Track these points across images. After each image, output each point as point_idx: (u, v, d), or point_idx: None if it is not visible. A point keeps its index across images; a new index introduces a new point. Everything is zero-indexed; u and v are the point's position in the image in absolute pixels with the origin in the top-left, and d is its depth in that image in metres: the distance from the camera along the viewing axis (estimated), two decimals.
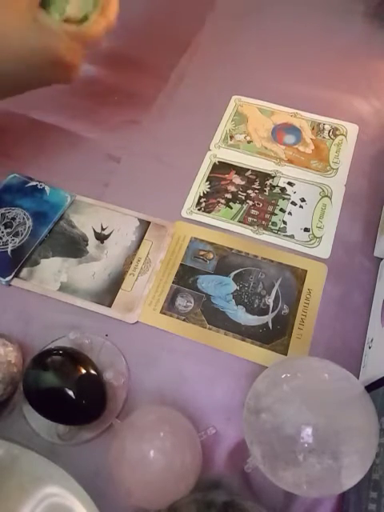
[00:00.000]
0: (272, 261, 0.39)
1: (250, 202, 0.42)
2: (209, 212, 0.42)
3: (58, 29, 0.35)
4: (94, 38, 0.37)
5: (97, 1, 0.38)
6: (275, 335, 0.36)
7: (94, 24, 0.37)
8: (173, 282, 0.38)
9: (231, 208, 0.42)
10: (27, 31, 0.34)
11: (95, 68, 0.51)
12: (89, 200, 0.43)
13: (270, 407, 0.27)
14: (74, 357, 0.32)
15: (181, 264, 0.39)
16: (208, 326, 0.36)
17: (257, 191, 0.43)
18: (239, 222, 0.41)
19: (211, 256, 0.40)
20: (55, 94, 0.46)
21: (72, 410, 0.31)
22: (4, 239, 0.40)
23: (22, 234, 0.40)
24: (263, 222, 0.41)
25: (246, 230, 0.41)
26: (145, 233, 0.41)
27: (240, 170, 0.44)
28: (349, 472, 0.26)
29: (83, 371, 0.31)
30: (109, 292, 0.38)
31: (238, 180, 0.44)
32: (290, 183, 0.43)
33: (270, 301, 0.37)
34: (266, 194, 0.43)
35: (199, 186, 0.44)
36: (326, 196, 0.43)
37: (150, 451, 0.28)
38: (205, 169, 0.45)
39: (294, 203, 0.42)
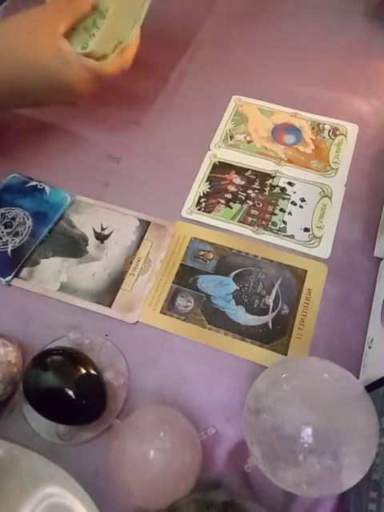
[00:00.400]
0: (272, 261, 0.39)
1: (250, 202, 0.42)
2: (209, 212, 0.42)
3: (77, 61, 0.38)
4: (108, 75, 0.40)
5: (117, 45, 0.40)
6: (275, 335, 0.36)
7: (111, 64, 0.40)
8: (173, 282, 0.38)
9: (231, 208, 0.42)
10: (52, 58, 0.37)
11: None
12: (89, 200, 0.43)
13: (270, 407, 0.27)
14: (74, 357, 0.32)
15: (181, 264, 0.39)
16: (208, 325, 0.36)
17: (257, 191, 0.43)
18: (239, 222, 0.41)
19: (211, 256, 0.40)
20: None
21: (72, 410, 0.31)
22: (4, 239, 0.40)
23: (22, 234, 0.40)
24: (263, 222, 0.41)
25: (246, 230, 0.41)
26: (145, 233, 0.41)
27: (240, 170, 0.44)
28: (349, 472, 0.26)
29: (83, 371, 0.31)
30: (109, 292, 0.38)
31: (237, 180, 0.44)
32: (289, 183, 0.43)
33: (269, 301, 0.37)
34: (266, 193, 0.43)
35: (199, 186, 0.44)
36: (326, 196, 0.43)
37: (150, 451, 0.28)
38: (205, 169, 0.45)
39: (294, 203, 0.42)
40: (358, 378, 0.33)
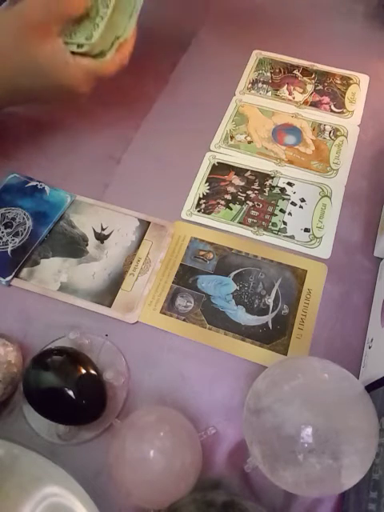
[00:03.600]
0: (272, 261, 0.39)
1: (250, 203, 0.42)
2: (208, 213, 0.42)
3: (73, 62, 0.37)
4: (105, 75, 0.40)
5: (114, 41, 0.39)
6: (275, 335, 0.36)
7: (109, 62, 0.39)
8: (173, 282, 0.38)
9: (231, 209, 0.42)
10: (46, 60, 0.37)
11: None
12: (89, 200, 0.43)
13: (270, 407, 0.27)
14: (73, 357, 0.32)
15: (181, 264, 0.39)
16: (208, 325, 0.36)
17: (256, 192, 0.43)
18: (239, 223, 0.41)
19: (211, 256, 0.40)
20: None
21: (72, 410, 0.31)
22: (4, 239, 0.40)
23: (22, 234, 0.40)
24: (263, 223, 0.41)
25: (247, 232, 0.41)
26: (145, 233, 0.41)
27: (239, 171, 0.44)
28: (349, 472, 0.26)
29: (83, 371, 0.31)
30: (109, 292, 0.38)
31: (237, 181, 0.44)
32: (289, 183, 0.43)
33: (269, 301, 0.37)
34: (266, 194, 0.43)
35: (198, 187, 0.44)
36: (326, 196, 0.43)
37: (150, 451, 0.28)
38: (204, 170, 0.45)
39: (293, 203, 0.42)
40: (358, 378, 0.33)
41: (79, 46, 0.38)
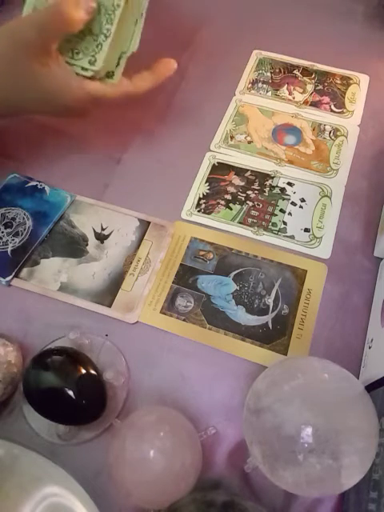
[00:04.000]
0: (272, 261, 0.39)
1: (250, 203, 0.42)
2: (209, 213, 0.42)
3: (77, 84, 0.36)
4: (111, 100, 0.38)
5: (121, 56, 0.38)
6: (275, 335, 0.36)
7: (114, 88, 0.38)
8: (173, 282, 0.38)
9: (231, 209, 0.42)
10: (49, 82, 0.36)
11: None
12: (89, 200, 0.43)
13: (270, 407, 0.27)
14: (73, 357, 0.32)
15: (181, 264, 0.39)
16: (208, 325, 0.36)
17: (256, 192, 0.43)
18: (239, 223, 0.41)
19: (211, 256, 0.40)
20: None
21: (72, 410, 0.31)
22: (4, 239, 0.40)
23: (22, 234, 0.40)
24: (263, 223, 0.41)
25: (247, 232, 0.41)
26: (145, 233, 0.41)
27: (239, 171, 0.44)
28: (349, 472, 0.26)
29: (83, 371, 0.31)
30: (109, 292, 0.38)
31: (237, 181, 0.44)
32: (289, 183, 0.43)
33: (269, 301, 0.37)
34: (266, 194, 0.43)
35: (198, 187, 0.44)
36: (326, 196, 0.43)
37: (149, 451, 0.28)
38: (204, 170, 0.45)
39: (293, 203, 0.42)
40: (358, 378, 0.33)
41: (84, 68, 0.37)
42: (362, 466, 0.26)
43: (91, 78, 0.37)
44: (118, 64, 0.38)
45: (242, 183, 0.44)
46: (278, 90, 0.50)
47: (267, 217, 0.42)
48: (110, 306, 0.37)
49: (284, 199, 0.43)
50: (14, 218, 0.41)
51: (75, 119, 0.44)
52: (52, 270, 0.39)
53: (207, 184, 0.44)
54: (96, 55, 0.36)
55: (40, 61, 0.35)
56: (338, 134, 0.47)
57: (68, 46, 0.36)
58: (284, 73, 0.52)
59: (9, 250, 0.40)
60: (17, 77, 0.35)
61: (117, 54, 0.37)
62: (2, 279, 0.38)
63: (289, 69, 0.52)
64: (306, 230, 0.41)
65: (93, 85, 0.37)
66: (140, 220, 0.41)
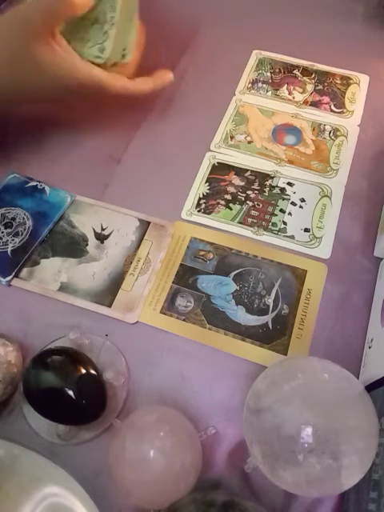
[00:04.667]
0: (272, 261, 0.39)
1: (250, 203, 0.42)
2: (208, 213, 0.42)
3: (83, 67, 0.38)
4: (112, 91, 0.40)
5: (125, 48, 0.40)
6: (275, 335, 0.36)
7: (116, 78, 0.40)
8: (173, 282, 0.38)
9: (231, 209, 0.42)
10: (57, 65, 0.37)
11: None
12: (89, 200, 0.43)
13: (270, 407, 0.27)
14: (73, 357, 0.32)
15: (181, 264, 0.39)
16: (208, 325, 0.36)
17: (256, 192, 0.43)
18: (239, 223, 0.41)
19: (211, 256, 0.40)
20: None
21: (72, 410, 0.31)
22: (4, 239, 0.40)
23: (22, 234, 0.40)
24: (263, 223, 0.41)
25: (247, 232, 0.41)
26: (145, 233, 0.41)
27: (239, 171, 0.44)
28: (349, 472, 0.26)
29: (83, 371, 0.31)
30: (109, 292, 0.38)
31: (237, 181, 0.44)
32: (289, 183, 0.43)
33: (269, 301, 0.37)
34: (266, 194, 0.43)
35: (198, 187, 0.44)
36: (326, 196, 0.43)
37: (149, 451, 0.28)
38: (204, 170, 0.45)
39: (293, 203, 0.42)
40: (358, 378, 0.33)
41: (96, 57, 0.38)
42: (361, 466, 0.26)
43: (101, 66, 0.39)
44: (122, 56, 0.40)
45: (242, 183, 0.44)
46: (277, 89, 0.50)
47: (267, 217, 0.42)
48: (109, 306, 0.37)
49: (284, 199, 0.43)
50: (14, 218, 0.41)
51: (75, 104, 0.45)
52: (52, 270, 0.39)
53: (207, 184, 0.44)
54: (104, 43, 0.38)
55: (44, 41, 0.36)
56: (338, 133, 0.47)
57: (78, 36, 0.38)
58: (284, 73, 0.52)
59: (9, 250, 0.40)
60: (23, 56, 0.37)
61: (121, 45, 0.39)
62: (2, 279, 0.38)
63: (289, 69, 0.52)
64: (306, 230, 0.41)
65: (97, 70, 0.39)
66: (140, 220, 0.41)
